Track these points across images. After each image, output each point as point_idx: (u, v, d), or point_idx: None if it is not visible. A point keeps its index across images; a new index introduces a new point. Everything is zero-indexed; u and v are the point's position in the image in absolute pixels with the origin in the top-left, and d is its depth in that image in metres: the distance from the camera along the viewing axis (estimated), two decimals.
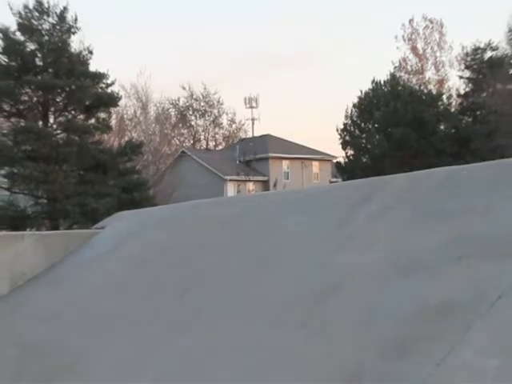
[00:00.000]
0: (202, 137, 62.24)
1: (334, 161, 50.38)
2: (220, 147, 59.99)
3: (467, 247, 5.01)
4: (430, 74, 48.52)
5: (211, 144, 61.54)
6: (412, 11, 66.69)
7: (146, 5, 79.71)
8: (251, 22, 74.15)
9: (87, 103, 34.70)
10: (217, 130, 62.81)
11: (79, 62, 34.60)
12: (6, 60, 34.10)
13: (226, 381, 4.77)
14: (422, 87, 45.99)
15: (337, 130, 44.60)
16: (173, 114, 58.84)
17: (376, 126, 42.57)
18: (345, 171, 44.00)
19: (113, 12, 74.75)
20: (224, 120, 62.38)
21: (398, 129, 40.33)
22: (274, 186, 47.49)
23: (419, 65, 48.90)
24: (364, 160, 42.21)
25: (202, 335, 5.40)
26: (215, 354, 5.13)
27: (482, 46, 44.57)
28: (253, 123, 55.51)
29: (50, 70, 33.99)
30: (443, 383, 3.93)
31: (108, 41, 55.29)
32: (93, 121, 35.41)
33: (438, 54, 48.70)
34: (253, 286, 5.80)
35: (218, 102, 61.36)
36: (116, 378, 5.28)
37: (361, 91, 44.17)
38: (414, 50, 49.00)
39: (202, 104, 61.45)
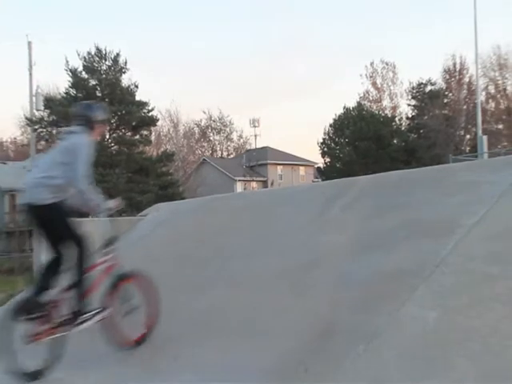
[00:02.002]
0: (218, 148, 62.31)
1: (316, 166, 50.18)
2: (231, 156, 59.86)
3: (413, 229, 5.02)
4: (386, 102, 48.39)
5: (225, 154, 61.54)
6: (373, 56, 66.51)
7: (177, 51, 79.42)
8: (256, 65, 74.34)
9: (133, 124, 34.65)
10: (229, 143, 62.85)
11: (128, 93, 34.54)
12: (75, 92, 34.18)
13: (240, 324, 4.79)
14: (380, 112, 45.80)
15: (318, 143, 44.54)
16: (196, 131, 58.87)
17: (346, 140, 42.49)
18: (323, 174, 43.93)
19: (153, 54, 74.36)
20: (234, 136, 62.47)
21: (362, 142, 40.35)
22: (271, 184, 47.46)
23: (378, 95, 48.73)
24: (338, 165, 42.07)
25: (221, 294, 5.41)
26: (231, 307, 5.15)
27: (424, 81, 44.51)
28: (255, 138, 55.55)
29: (107, 100, 33.86)
30: (396, 329, 3.95)
31: (150, 76, 55.50)
32: (137, 136, 35.33)
33: (391, 87, 48.55)
34: (256, 258, 5.81)
35: (230, 122, 61.46)
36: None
37: (335, 115, 44.13)
38: (374, 84, 48.82)
39: (218, 124, 61.57)
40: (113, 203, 4.98)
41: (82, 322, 4.61)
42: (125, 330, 4.84)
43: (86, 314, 4.63)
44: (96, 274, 4.81)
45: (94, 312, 4.70)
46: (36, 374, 4.41)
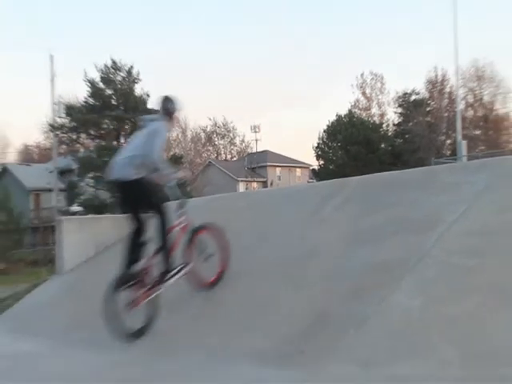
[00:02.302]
0: (222, 152, 62.23)
1: (311, 168, 50.10)
2: (234, 159, 59.77)
3: (400, 226, 5.02)
4: (374, 110, 48.27)
5: (228, 157, 61.45)
6: (362, 68, 66.48)
7: (187, 62, 79.38)
8: (257, 76, 74.30)
9: None
10: (232, 147, 62.73)
11: (141, 101, 34.52)
12: (93, 101, 34.19)
13: (241, 313, 4.79)
14: (369, 119, 45.76)
15: (312, 147, 44.50)
16: (203, 136, 58.77)
17: (339, 144, 42.41)
18: (318, 175, 43.87)
19: (163, 65, 74.31)
20: (237, 140, 62.39)
21: (353, 146, 40.31)
22: (271, 185, 47.42)
23: (367, 104, 48.63)
24: (331, 167, 42.00)
25: (225, 285, 5.41)
26: (233, 298, 5.14)
27: (409, 91, 44.46)
28: (256, 142, 55.37)
29: (121, 108, 33.94)
30: (383, 316, 3.95)
31: (160, 86, 55.56)
32: None
33: (379, 96, 48.44)
34: (259, 251, 5.79)
35: (233, 128, 61.42)
36: (167, 311, 5.29)
37: (329, 121, 44.02)
38: (363, 94, 48.72)
39: (223, 130, 61.55)
40: (181, 173, 5.75)
41: (169, 279, 4.99)
42: (203, 274, 5.27)
43: (172, 271, 5.01)
44: (175, 235, 5.17)
45: (178, 268, 5.07)
46: (139, 333, 4.81)
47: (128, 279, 4.85)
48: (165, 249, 4.99)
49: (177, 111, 5.31)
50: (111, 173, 5.00)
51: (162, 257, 4.98)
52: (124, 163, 4.92)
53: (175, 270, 5.03)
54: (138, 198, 4.97)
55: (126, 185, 4.87)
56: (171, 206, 5.23)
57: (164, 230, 4.98)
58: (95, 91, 34.33)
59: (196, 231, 5.36)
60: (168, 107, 5.24)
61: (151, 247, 5.07)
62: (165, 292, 5.01)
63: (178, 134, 51.08)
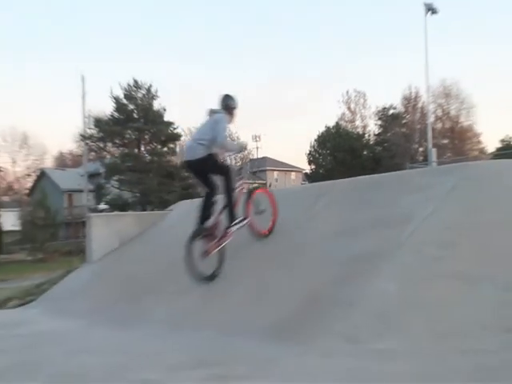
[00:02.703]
0: (228, 158, 62.43)
1: (304, 172, 50.12)
2: (238, 164, 59.91)
3: (379, 221, 5.01)
4: (358, 122, 48.02)
5: (233, 162, 61.54)
6: (348, 86, 66.55)
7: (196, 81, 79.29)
8: (257, 91, 74.14)
9: (163, 139, 34.63)
10: (236, 154, 63.05)
11: (158, 115, 34.49)
12: (117, 115, 34.18)
13: (245, 295, 4.78)
14: (353, 130, 45.70)
15: (305, 154, 44.53)
16: None
17: (327, 152, 42.37)
18: (309, 178, 43.82)
19: (177, 82, 74.24)
20: None
21: (340, 153, 40.30)
22: (269, 186, 47.38)
23: (352, 117, 48.45)
24: (321, 171, 41.95)
25: (232, 272, 5.39)
26: (237, 281, 5.13)
27: (387, 106, 44.40)
28: (257, 150, 55.28)
29: (142, 120, 33.94)
30: (365, 298, 3.94)
31: (175, 101, 55.75)
32: (166, 149, 35.33)
33: (362, 111, 48.22)
34: (257, 244, 5.76)
35: (237, 138, 61.38)
36: (181, 295, 5.30)
37: (319, 131, 44.00)
38: (349, 108, 48.53)
39: (228, 139, 61.86)
40: (241, 146, 6.06)
41: (233, 230, 5.36)
42: (259, 226, 5.66)
43: (235, 224, 5.37)
44: (237, 195, 5.53)
45: (239, 221, 5.42)
46: (212, 277, 5.15)
47: (202, 232, 5.19)
48: (229, 206, 5.36)
49: (236, 108, 5.56)
50: (186, 154, 5.45)
51: (228, 213, 5.36)
52: (195, 146, 5.30)
53: (237, 224, 5.40)
54: (209, 169, 5.39)
55: (199, 162, 5.25)
56: (233, 172, 5.57)
57: (229, 192, 5.37)
58: (119, 106, 34.33)
59: (252, 192, 5.73)
60: (228, 103, 5.49)
61: (219, 206, 5.44)
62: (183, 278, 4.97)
63: None
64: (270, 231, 5.78)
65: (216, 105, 5.52)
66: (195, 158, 5.25)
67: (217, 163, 5.41)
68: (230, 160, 5.92)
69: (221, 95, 5.55)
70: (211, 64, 77.74)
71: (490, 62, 67.41)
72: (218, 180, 5.43)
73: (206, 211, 5.34)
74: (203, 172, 5.45)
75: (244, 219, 5.49)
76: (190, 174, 5.45)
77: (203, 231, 5.20)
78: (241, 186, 5.69)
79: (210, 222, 5.30)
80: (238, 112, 5.60)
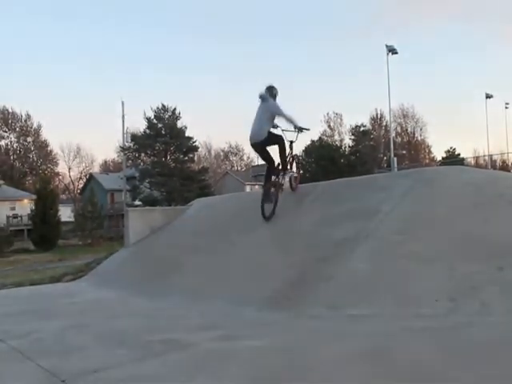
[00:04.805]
0: (235, 165, 62.13)
1: None
2: (243, 169, 59.64)
3: (354, 214, 4.97)
4: (336, 137, 48.08)
5: (239, 168, 61.35)
6: (328, 109, 66.51)
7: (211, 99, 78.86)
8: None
9: (184, 150, 34.69)
10: (241, 161, 62.67)
11: (181, 132, 34.52)
12: (149, 131, 34.25)
13: (245, 273, 4.74)
14: (332, 143, 45.67)
15: None
16: (222, 154, 58.79)
17: (313, 160, 42.32)
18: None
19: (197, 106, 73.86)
20: (245, 157, 62.33)
21: (322, 161, 40.19)
22: None
23: (331, 133, 48.51)
24: (307, 175, 41.83)
25: (235, 253, 5.37)
26: (240, 262, 5.10)
27: (359, 124, 44.38)
28: (258, 158, 55.33)
29: (168, 136, 33.96)
30: (343, 275, 3.91)
31: (194, 121, 55.93)
32: (186, 158, 35.34)
33: (340, 128, 48.30)
34: (261, 229, 5.68)
35: (242, 148, 61.39)
36: (198, 272, 5.27)
37: (306, 144, 44.07)
38: (329, 126, 48.56)
39: (235, 149, 61.40)
40: (302, 125, 5.76)
41: (284, 178, 5.88)
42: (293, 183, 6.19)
43: (285, 177, 5.91)
44: (288, 159, 5.88)
45: (290, 174, 5.99)
46: (271, 215, 5.71)
47: (269, 185, 5.72)
48: (283, 166, 5.74)
49: (275, 94, 5.67)
50: (251, 138, 5.58)
51: (283, 169, 5.78)
52: (256, 130, 5.51)
53: (287, 177, 5.94)
54: (269, 143, 5.60)
55: (263, 142, 5.52)
56: (284, 141, 5.72)
57: (283, 156, 5.70)
58: (150, 125, 34.36)
59: (295, 157, 6.11)
60: (274, 93, 5.64)
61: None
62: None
63: (205, 153, 51.01)
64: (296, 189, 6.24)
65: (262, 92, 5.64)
66: (260, 139, 5.49)
67: (273, 137, 5.62)
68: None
69: (267, 84, 5.70)
70: (214, 88, 77.29)
71: (437, 90, 67.59)
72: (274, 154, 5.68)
73: (269, 174, 5.76)
74: (264, 149, 5.63)
75: (292, 174, 6.03)
76: (255, 152, 5.96)
77: (270, 184, 5.69)
78: (291, 152, 5.92)
79: (272, 179, 5.76)
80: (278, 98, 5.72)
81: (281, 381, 2.34)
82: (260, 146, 5.61)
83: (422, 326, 2.99)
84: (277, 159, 5.74)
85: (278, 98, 5.70)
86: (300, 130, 5.72)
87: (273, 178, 5.78)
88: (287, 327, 3.32)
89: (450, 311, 3.14)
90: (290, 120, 5.55)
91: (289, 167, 5.87)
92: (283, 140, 5.71)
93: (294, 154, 6.02)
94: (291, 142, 5.91)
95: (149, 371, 2.57)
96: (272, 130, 5.65)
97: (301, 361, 2.57)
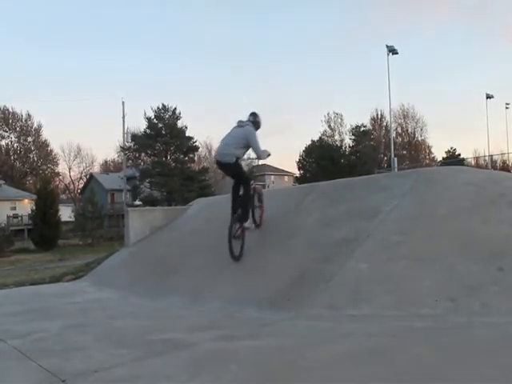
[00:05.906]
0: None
1: (294, 176, 50.02)
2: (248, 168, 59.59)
3: (353, 214, 4.97)
4: (336, 137, 47.95)
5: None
6: (328, 109, 66.53)
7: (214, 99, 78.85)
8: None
9: (184, 150, 34.70)
10: (242, 162, 62.69)
11: (181, 131, 34.53)
12: (149, 131, 34.25)
13: (247, 271, 4.73)
14: (333, 143, 45.65)
15: (295, 161, 44.54)
16: None
17: (313, 160, 42.35)
18: (299, 180, 43.80)
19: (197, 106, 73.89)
20: (245, 157, 62.29)
21: (322, 161, 40.26)
22: (268, 187, 47.31)
23: (331, 133, 48.37)
24: (308, 175, 41.89)
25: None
26: (249, 262, 5.07)
27: (359, 124, 44.31)
28: (258, 159, 55.30)
29: (168, 136, 33.96)
30: (343, 275, 3.91)
31: (194, 120, 55.94)
32: (186, 158, 35.34)
33: (340, 128, 48.16)
34: (257, 231, 5.68)
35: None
36: (198, 272, 5.26)
37: (306, 144, 44.08)
38: (329, 126, 48.40)
39: (264, 149, 61.62)
40: (268, 152, 5.24)
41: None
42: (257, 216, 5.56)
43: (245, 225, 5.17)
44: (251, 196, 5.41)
45: (250, 222, 5.29)
46: (239, 257, 4.98)
47: (236, 219, 5.07)
48: (246, 216, 5.21)
49: (260, 126, 5.23)
50: (218, 156, 5.11)
51: (244, 220, 5.22)
52: (226, 151, 5.00)
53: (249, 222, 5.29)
54: (234, 173, 5.22)
55: (229, 165, 5.03)
56: (250, 180, 5.46)
57: (247, 204, 5.23)
58: (151, 125, 34.37)
59: (256, 189, 5.64)
60: (256, 120, 5.19)
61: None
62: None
63: (205, 153, 50.88)
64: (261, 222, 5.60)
65: (243, 117, 5.22)
66: (226, 161, 5.00)
67: (241, 171, 5.29)
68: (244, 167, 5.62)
69: (251, 112, 5.29)
70: (213, 92, 77.42)
71: (437, 90, 67.58)
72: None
73: (235, 201, 5.24)
74: (230, 172, 5.27)
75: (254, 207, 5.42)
76: (220, 170, 5.54)
77: (236, 218, 5.06)
78: (253, 185, 5.52)
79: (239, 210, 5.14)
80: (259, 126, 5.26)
81: (281, 381, 2.34)
82: (225, 169, 5.16)
83: (422, 326, 2.99)
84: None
85: (259, 130, 5.19)
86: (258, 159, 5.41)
87: (236, 226, 5.08)
88: (287, 327, 3.32)
89: (449, 311, 3.14)
90: (258, 155, 5.14)
91: (250, 214, 5.28)
92: (249, 180, 5.32)
93: (254, 186, 5.53)
94: (254, 177, 5.56)
95: (149, 371, 2.57)
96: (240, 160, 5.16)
97: (301, 361, 2.57)
